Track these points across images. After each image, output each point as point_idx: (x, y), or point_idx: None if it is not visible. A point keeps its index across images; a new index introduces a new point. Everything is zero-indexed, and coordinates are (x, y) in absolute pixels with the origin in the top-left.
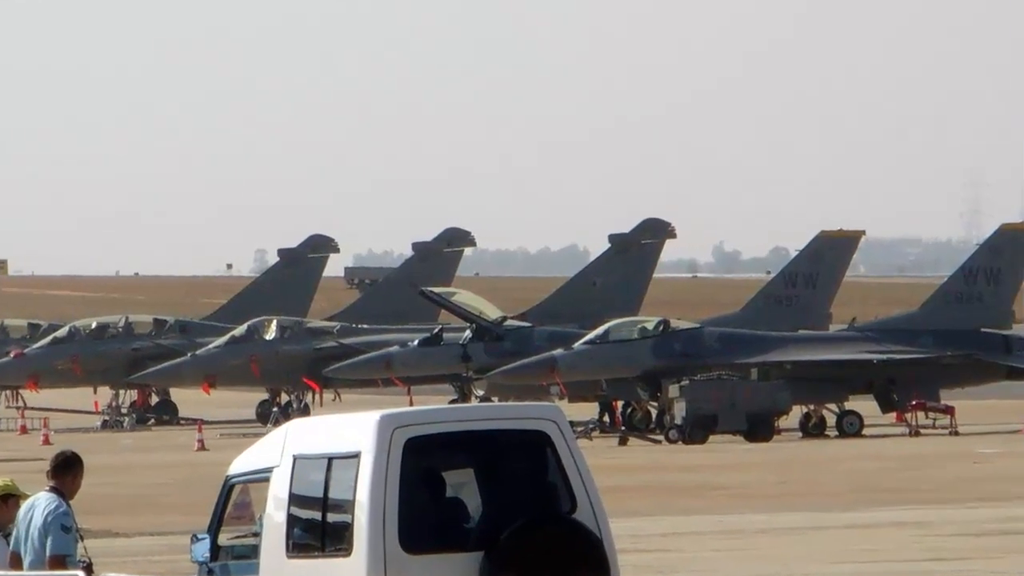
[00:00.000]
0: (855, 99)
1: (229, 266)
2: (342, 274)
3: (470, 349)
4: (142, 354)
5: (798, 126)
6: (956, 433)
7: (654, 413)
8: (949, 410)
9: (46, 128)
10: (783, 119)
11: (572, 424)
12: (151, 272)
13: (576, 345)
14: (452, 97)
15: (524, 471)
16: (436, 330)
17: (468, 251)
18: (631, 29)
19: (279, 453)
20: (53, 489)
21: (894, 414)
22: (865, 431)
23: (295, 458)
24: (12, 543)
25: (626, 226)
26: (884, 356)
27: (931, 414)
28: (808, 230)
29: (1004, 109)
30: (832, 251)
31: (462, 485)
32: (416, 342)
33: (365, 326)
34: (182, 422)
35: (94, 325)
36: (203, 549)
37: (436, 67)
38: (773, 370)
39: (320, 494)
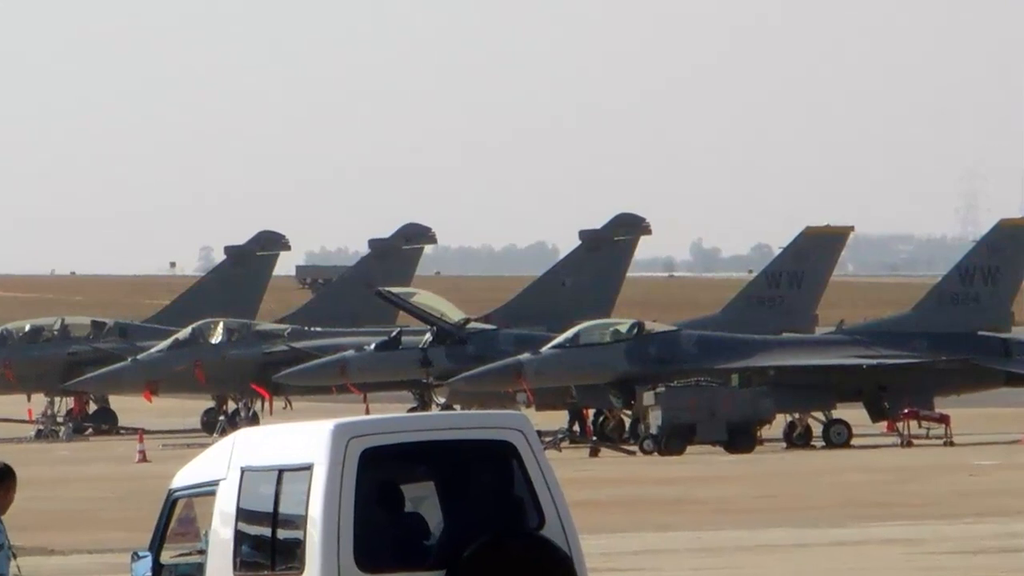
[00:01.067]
0: (843, 86)
1: (172, 264)
2: (293, 273)
3: (430, 353)
4: (79, 359)
5: (782, 114)
6: (951, 443)
7: (628, 422)
8: (944, 419)
9: None
10: (766, 107)
11: (540, 434)
12: (89, 271)
13: (544, 349)
14: (412, 84)
15: (488, 484)
16: (394, 333)
17: (428, 249)
18: (603, 10)
19: (226, 465)
20: None
21: (885, 423)
22: (854, 441)
23: (243, 470)
24: None
25: (598, 222)
26: (874, 361)
27: (924, 423)
28: (793, 226)
29: (1002, 96)
30: (818, 248)
31: (422, 499)
32: (372, 346)
33: (318, 329)
34: (122, 432)
35: (27, 328)
36: (144, 568)
37: (394, 53)
38: (755, 376)
39: (270, 509)
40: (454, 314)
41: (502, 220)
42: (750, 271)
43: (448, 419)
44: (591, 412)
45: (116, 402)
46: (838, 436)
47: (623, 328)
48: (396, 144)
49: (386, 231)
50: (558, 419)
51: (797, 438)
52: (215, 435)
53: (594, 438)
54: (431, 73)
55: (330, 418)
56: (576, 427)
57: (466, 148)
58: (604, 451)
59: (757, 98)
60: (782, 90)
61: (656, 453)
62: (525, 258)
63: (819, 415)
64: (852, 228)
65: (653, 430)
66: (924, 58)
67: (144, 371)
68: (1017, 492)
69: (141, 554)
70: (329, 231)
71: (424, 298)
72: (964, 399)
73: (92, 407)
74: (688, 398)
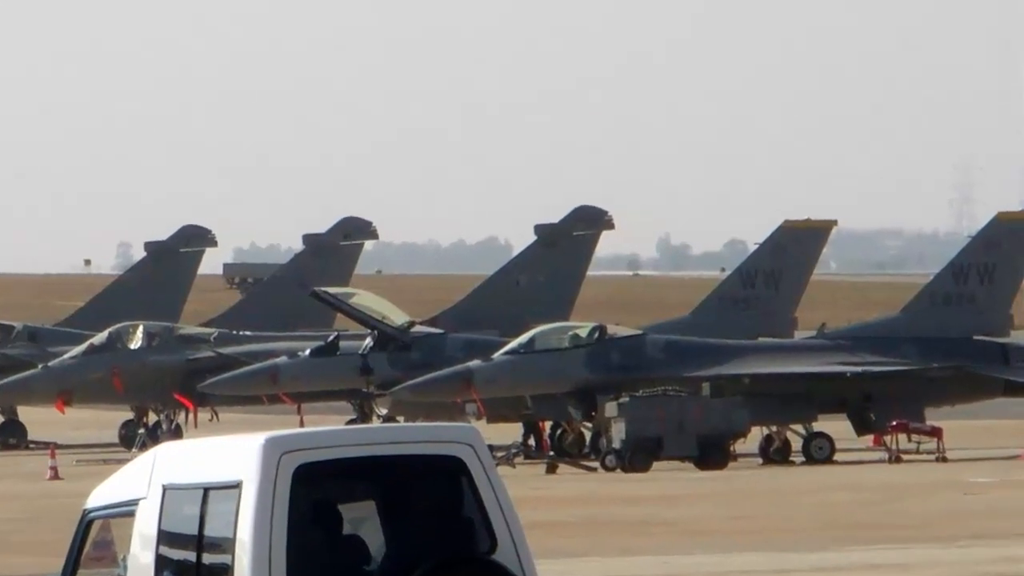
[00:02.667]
0: (825, 68)
1: (87, 262)
2: (220, 272)
3: (371, 360)
4: None
5: (759, 98)
6: (944, 459)
7: (588, 436)
8: (936, 432)
9: None
10: (741, 90)
11: (491, 448)
12: None
13: (496, 355)
14: (350, 64)
15: (435, 504)
16: (331, 338)
17: (369, 244)
18: None
19: (146, 483)
20: None
21: (871, 437)
22: (837, 457)
23: (165, 489)
24: None
25: (555, 215)
26: (859, 368)
27: (915, 437)
28: (770, 220)
29: (1000, 78)
30: (798, 244)
31: (362, 521)
32: (307, 352)
33: (247, 333)
34: (32, 446)
35: None
36: None
37: (330, 32)
38: (728, 385)
39: (194, 531)
40: (397, 317)
41: (450, 213)
42: (723, 269)
43: (390, 432)
44: (548, 425)
45: (25, 413)
46: (819, 451)
47: (583, 332)
48: (334, 131)
49: (322, 225)
50: (512, 432)
51: (774, 453)
52: (134, 450)
53: (551, 453)
54: (371, 54)
55: (261, 431)
56: (531, 441)
57: (410, 134)
58: (562, 467)
59: (731, 79)
60: (758, 72)
61: (619, 470)
62: (475, 255)
63: (799, 428)
64: (835, 222)
65: (616, 444)
66: (913, 36)
67: (56, 379)
68: (1016, 513)
69: None
70: (260, 225)
71: (364, 299)
72: (958, 410)
73: None
74: (654, 409)
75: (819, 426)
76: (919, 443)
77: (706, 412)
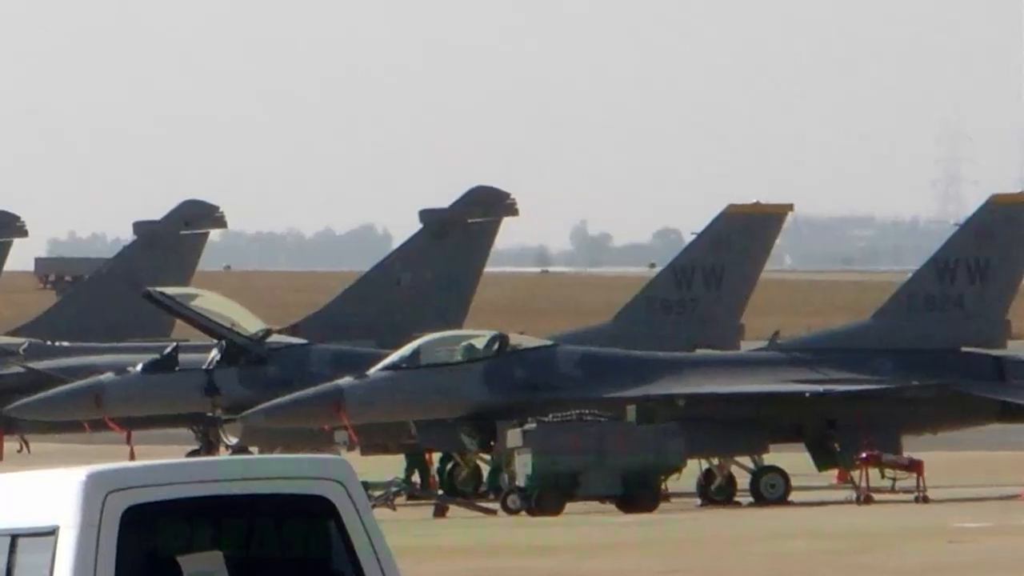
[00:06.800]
0: (775, 17)
1: None
2: (32, 268)
3: (218, 377)
4: None
5: (696, 58)
6: (925, 499)
7: (486, 471)
8: (915, 466)
9: None
10: (672, 48)
11: (367, 486)
12: None
13: (373, 371)
14: (196, 22)
15: (296, 554)
16: (168, 350)
17: (215, 234)
18: None
19: None
20: None
21: (835, 472)
22: (793, 497)
23: None
24: None
25: (445, 199)
26: (820, 388)
27: (889, 472)
28: (710, 205)
29: (991, 29)
30: (745, 234)
31: (208, 575)
32: (139, 367)
33: (65, 344)
34: None
35: None
36: None
37: None
38: (659, 408)
39: None
40: (250, 324)
41: (314, 197)
42: (652, 265)
43: (242, 466)
44: (436, 457)
45: None
46: (771, 489)
47: (480, 343)
48: (173, 95)
49: (158, 211)
50: (393, 466)
51: (716, 492)
52: None
53: (440, 492)
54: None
55: (81, 465)
56: (416, 477)
57: (266, 100)
58: (453, 510)
59: (663, 31)
60: (694, 25)
61: (525, 512)
62: (346, 247)
63: (746, 461)
64: (791, 207)
65: (521, 481)
66: None
67: None
68: (1012, 566)
69: None
70: (80, 212)
71: (209, 301)
72: (943, 439)
73: None
74: (568, 438)
75: (770, 459)
76: (894, 479)
77: (632, 441)
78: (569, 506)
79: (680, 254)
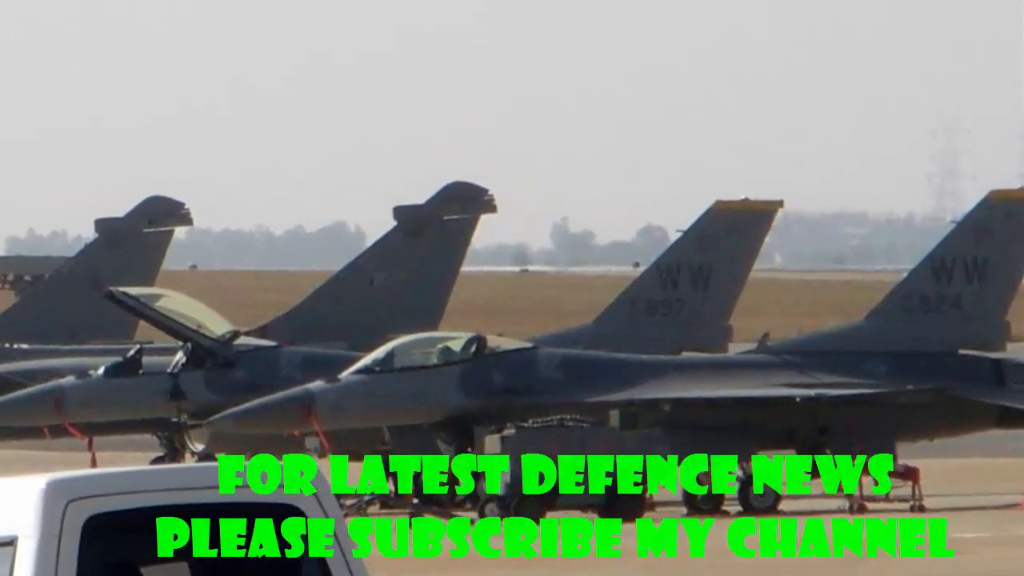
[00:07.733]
0: (764, 8)
1: None
2: None
3: (183, 381)
4: None
5: (683, 50)
6: (921, 508)
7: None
8: (910, 474)
9: None
10: (658, 37)
11: (339, 495)
12: None
13: (344, 375)
14: (152, 13)
15: (264, 566)
16: (132, 352)
17: (181, 232)
18: None
19: None
20: None
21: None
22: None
23: None
24: None
25: (421, 195)
26: (812, 392)
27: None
28: (696, 202)
29: (989, 18)
30: (733, 232)
31: None
32: (101, 371)
33: (24, 346)
34: None
35: None
36: None
37: None
38: (644, 413)
39: None
40: (216, 325)
41: (284, 193)
42: (636, 264)
43: (208, 474)
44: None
45: None
46: (761, 498)
47: (457, 345)
48: (136, 88)
49: (120, 208)
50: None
51: (703, 501)
52: None
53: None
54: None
55: (41, 473)
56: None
57: (234, 92)
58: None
59: (645, 26)
60: (679, 16)
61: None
62: (317, 245)
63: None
64: (781, 203)
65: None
66: None
67: None
68: None
69: None
70: (40, 209)
71: (175, 302)
72: (940, 445)
73: None
74: (549, 444)
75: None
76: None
77: (615, 448)
78: (549, 514)
79: (665, 253)
